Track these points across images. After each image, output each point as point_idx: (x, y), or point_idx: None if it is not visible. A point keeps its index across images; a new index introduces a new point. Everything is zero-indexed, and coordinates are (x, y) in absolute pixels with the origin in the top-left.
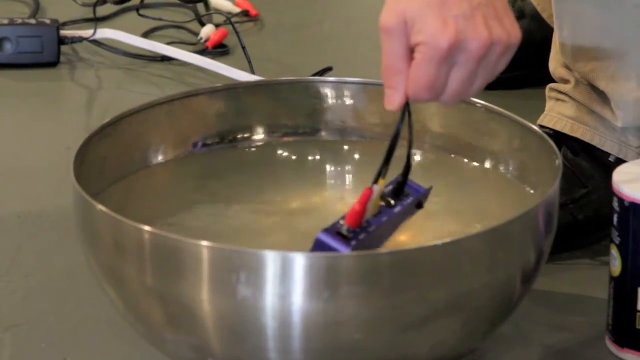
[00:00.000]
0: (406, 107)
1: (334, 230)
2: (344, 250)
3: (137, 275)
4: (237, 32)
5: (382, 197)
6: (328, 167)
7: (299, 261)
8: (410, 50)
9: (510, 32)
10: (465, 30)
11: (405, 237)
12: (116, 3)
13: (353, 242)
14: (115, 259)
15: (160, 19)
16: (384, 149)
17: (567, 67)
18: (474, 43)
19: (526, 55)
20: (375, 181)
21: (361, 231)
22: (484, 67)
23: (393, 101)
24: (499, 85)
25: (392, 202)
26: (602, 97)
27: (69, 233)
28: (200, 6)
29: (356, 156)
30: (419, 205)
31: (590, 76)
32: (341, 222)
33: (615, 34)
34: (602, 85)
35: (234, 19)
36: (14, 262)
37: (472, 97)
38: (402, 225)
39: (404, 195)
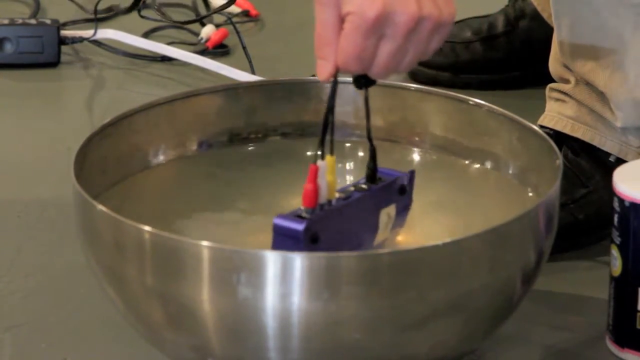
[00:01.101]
0: (336, 78)
1: (291, 215)
2: (298, 227)
3: (138, 275)
4: (237, 32)
5: (356, 185)
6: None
7: (299, 262)
8: (342, 21)
9: (442, 9)
10: (393, 3)
11: (405, 238)
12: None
13: (307, 219)
14: (116, 259)
15: (162, 19)
16: (386, 150)
17: (566, 67)
18: (401, 16)
19: (526, 55)
20: (322, 158)
21: (319, 210)
22: (415, 42)
23: (323, 71)
24: (499, 85)
25: (365, 187)
26: (602, 97)
27: (69, 233)
28: (200, 6)
29: (360, 154)
30: (402, 190)
31: (588, 76)
32: (300, 207)
33: (613, 35)
34: (600, 85)
35: (234, 19)
36: (14, 262)
37: (404, 71)
38: (389, 213)
39: (381, 182)
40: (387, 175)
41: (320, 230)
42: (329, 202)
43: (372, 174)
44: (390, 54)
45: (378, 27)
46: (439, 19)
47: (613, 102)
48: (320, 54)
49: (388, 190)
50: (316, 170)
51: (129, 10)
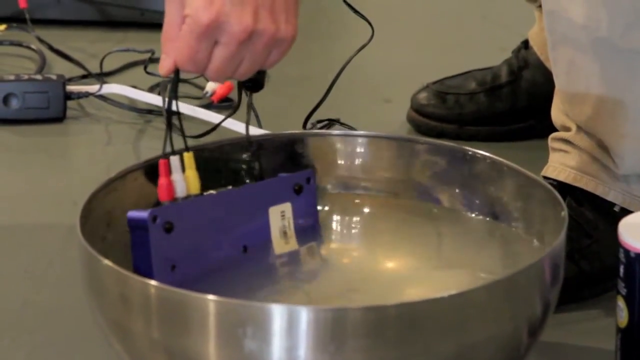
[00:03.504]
0: (176, 74)
1: (140, 210)
2: (144, 215)
3: (144, 329)
4: None
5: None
6: (335, 219)
7: (305, 315)
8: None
9: (280, 26)
10: (229, 13)
11: (411, 290)
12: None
13: (151, 210)
14: (122, 313)
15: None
16: (390, 203)
17: (567, 115)
18: (234, 27)
19: (531, 105)
20: (173, 153)
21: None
22: (250, 53)
23: (164, 66)
24: (504, 137)
25: (247, 182)
26: (603, 144)
27: (75, 288)
28: None
29: (365, 210)
30: (298, 190)
31: (587, 124)
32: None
33: (610, 81)
34: (599, 133)
35: None
36: (20, 318)
37: (240, 79)
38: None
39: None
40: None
41: (175, 219)
42: (195, 196)
43: (259, 172)
44: (223, 59)
45: (210, 33)
46: (275, 35)
47: (612, 150)
48: (163, 49)
49: (277, 187)
50: (166, 164)
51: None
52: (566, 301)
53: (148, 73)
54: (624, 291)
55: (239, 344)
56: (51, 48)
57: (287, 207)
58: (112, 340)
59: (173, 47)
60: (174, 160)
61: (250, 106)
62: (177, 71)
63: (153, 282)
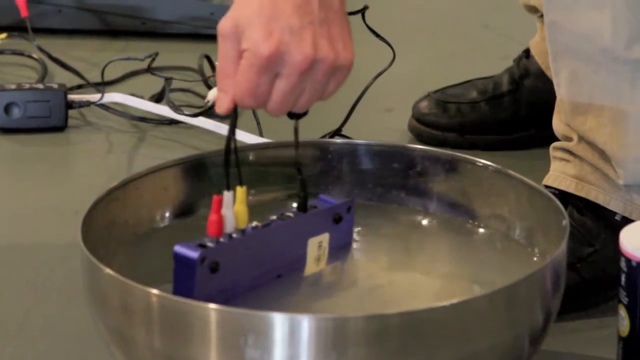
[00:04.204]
0: (235, 112)
1: (194, 243)
2: (192, 255)
3: (146, 338)
4: None
5: (282, 214)
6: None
7: (307, 323)
8: (241, 57)
9: (339, 53)
10: (289, 43)
11: (412, 299)
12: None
13: (204, 247)
14: (124, 322)
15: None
16: (393, 212)
17: (569, 125)
18: (296, 57)
19: (532, 114)
20: (227, 188)
21: (226, 239)
22: (310, 83)
23: (221, 104)
24: (505, 145)
25: (291, 215)
26: (604, 154)
27: (77, 297)
28: (207, 69)
29: (365, 219)
30: (338, 219)
31: (589, 134)
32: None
33: (611, 92)
34: (600, 143)
35: None
36: (22, 327)
37: (300, 111)
38: (323, 238)
39: (312, 210)
40: (325, 204)
41: (222, 259)
42: (242, 231)
43: (303, 202)
44: (284, 92)
45: (272, 65)
46: (335, 63)
47: (614, 160)
48: (220, 87)
49: (318, 219)
50: (219, 201)
51: None
52: (567, 310)
53: (153, 74)
54: (625, 300)
55: (241, 353)
56: (50, 57)
57: (325, 237)
58: (114, 349)
59: (231, 84)
60: (228, 196)
61: (296, 131)
62: (235, 108)
63: (154, 291)
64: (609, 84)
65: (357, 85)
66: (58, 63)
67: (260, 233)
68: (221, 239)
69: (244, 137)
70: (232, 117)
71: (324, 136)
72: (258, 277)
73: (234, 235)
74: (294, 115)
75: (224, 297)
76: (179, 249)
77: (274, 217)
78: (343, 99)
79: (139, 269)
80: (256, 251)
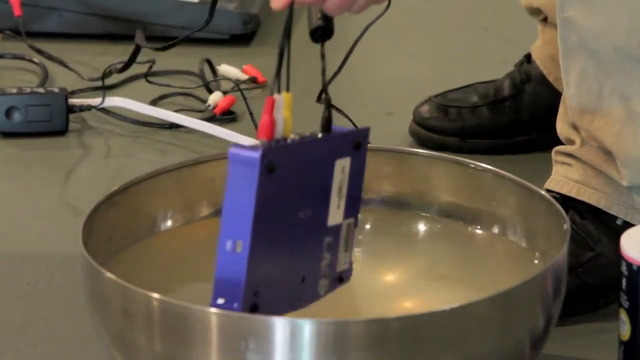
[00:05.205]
0: (290, 10)
1: (247, 146)
2: (254, 154)
3: (146, 342)
4: (245, 99)
5: (311, 134)
6: None
7: (308, 328)
8: None
9: None
10: None
11: (413, 303)
12: (120, 71)
13: (263, 148)
14: (124, 326)
15: (168, 85)
16: (393, 215)
17: (573, 127)
18: None
19: (533, 119)
20: (278, 91)
21: (275, 143)
22: None
23: (278, 0)
24: (506, 149)
25: (320, 135)
26: (608, 156)
27: (78, 301)
28: (207, 73)
29: (367, 226)
30: (357, 146)
31: (596, 133)
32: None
33: (621, 90)
34: (607, 142)
35: (241, 86)
36: (22, 331)
37: (356, 12)
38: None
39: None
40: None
41: (277, 161)
42: (284, 138)
43: (327, 123)
44: None
45: None
46: None
47: (620, 160)
48: None
49: (343, 141)
50: (273, 102)
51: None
52: (568, 314)
53: (149, 82)
54: (626, 304)
55: (242, 357)
56: (51, 58)
57: (347, 162)
58: (115, 353)
59: None
60: (279, 99)
61: (323, 56)
62: (291, 6)
63: (155, 295)
64: (619, 82)
65: (355, 84)
66: (55, 62)
67: (304, 141)
68: (272, 143)
69: (242, 140)
70: (288, 15)
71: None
72: (301, 195)
73: (281, 141)
74: (319, 36)
75: (278, 205)
76: (236, 150)
77: (306, 133)
78: (340, 96)
79: (140, 273)
80: (301, 160)
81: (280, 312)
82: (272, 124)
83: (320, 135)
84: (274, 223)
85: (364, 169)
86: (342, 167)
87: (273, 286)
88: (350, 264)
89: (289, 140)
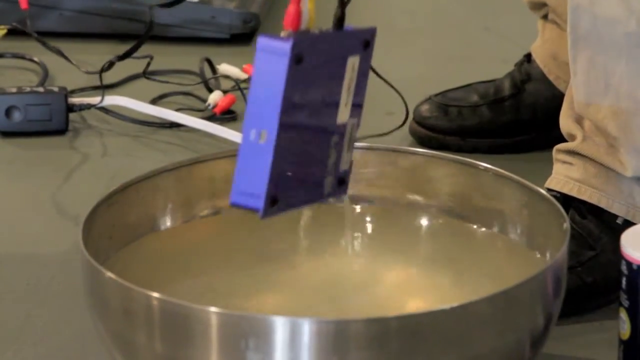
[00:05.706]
0: None
1: (275, 36)
2: (285, 44)
3: (147, 341)
4: (245, 98)
5: (327, 30)
6: (336, 230)
7: (308, 327)
8: None
9: None
10: None
11: (413, 302)
12: (120, 59)
13: (294, 38)
14: (125, 325)
15: (167, 82)
16: (395, 214)
17: (577, 121)
18: None
19: (533, 118)
20: None
21: (301, 34)
22: None
23: None
24: (507, 149)
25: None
26: (611, 149)
27: (77, 300)
28: (207, 72)
29: (367, 221)
30: (366, 45)
31: (601, 123)
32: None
33: (630, 79)
34: (614, 131)
35: (242, 85)
36: (23, 330)
37: None
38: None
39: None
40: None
41: (304, 51)
42: (308, 30)
43: (339, 22)
44: None
45: None
46: None
47: (625, 149)
48: None
49: (355, 38)
50: None
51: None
52: (568, 313)
53: (147, 77)
54: (626, 303)
55: (242, 356)
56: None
57: (356, 60)
58: (115, 353)
59: None
60: None
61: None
62: None
63: (155, 294)
64: (628, 71)
65: None
66: (59, 54)
67: (327, 34)
68: (300, 34)
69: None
70: None
71: None
72: (320, 89)
73: (306, 33)
74: None
75: (302, 97)
76: (265, 39)
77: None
78: None
79: (140, 273)
80: (320, 56)
81: (295, 205)
82: (299, 14)
83: (335, 31)
84: (297, 115)
85: (368, 71)
86: (352, 64)
87: (290, 180)
88: (351, 163)
89: (313, 33)
